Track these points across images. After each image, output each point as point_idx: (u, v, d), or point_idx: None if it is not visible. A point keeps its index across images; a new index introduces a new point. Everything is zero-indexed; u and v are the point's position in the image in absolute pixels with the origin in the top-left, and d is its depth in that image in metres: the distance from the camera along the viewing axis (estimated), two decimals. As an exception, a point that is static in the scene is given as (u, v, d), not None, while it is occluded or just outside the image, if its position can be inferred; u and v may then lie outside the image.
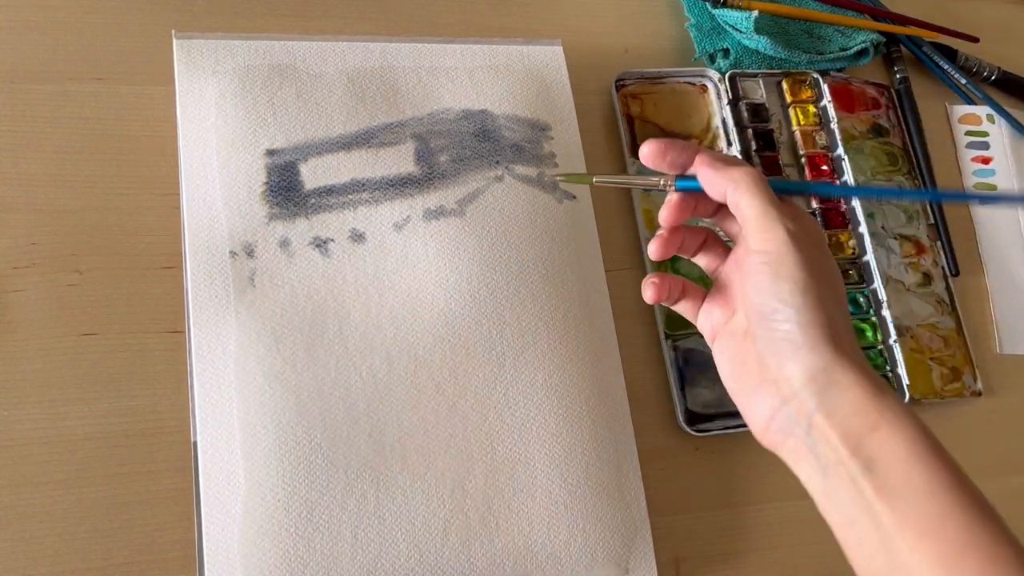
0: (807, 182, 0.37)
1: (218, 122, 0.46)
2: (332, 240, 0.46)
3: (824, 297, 0.35)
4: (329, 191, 0.46)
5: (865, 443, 0.33)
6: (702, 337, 0.51)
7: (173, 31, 0.48)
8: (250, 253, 0.44)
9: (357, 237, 0.46)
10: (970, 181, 0.64)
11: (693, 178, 0.39)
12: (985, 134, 0.66)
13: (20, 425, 0.41)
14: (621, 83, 0.57)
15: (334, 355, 0.44)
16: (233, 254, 0.44)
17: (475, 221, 0.48)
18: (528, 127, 0.51)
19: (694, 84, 0.58)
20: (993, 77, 0.67)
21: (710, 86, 0.59)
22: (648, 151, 0.39)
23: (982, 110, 0.66)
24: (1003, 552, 0.30)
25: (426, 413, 0.44)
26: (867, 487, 0.33)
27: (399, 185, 0.47)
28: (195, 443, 0.41)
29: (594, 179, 0.42)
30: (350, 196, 0.47)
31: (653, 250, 0.40)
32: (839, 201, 0.57)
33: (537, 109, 0.52)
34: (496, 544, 0.43)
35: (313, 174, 0.46)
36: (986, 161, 0.65)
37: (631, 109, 0.56)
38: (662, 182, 0.39)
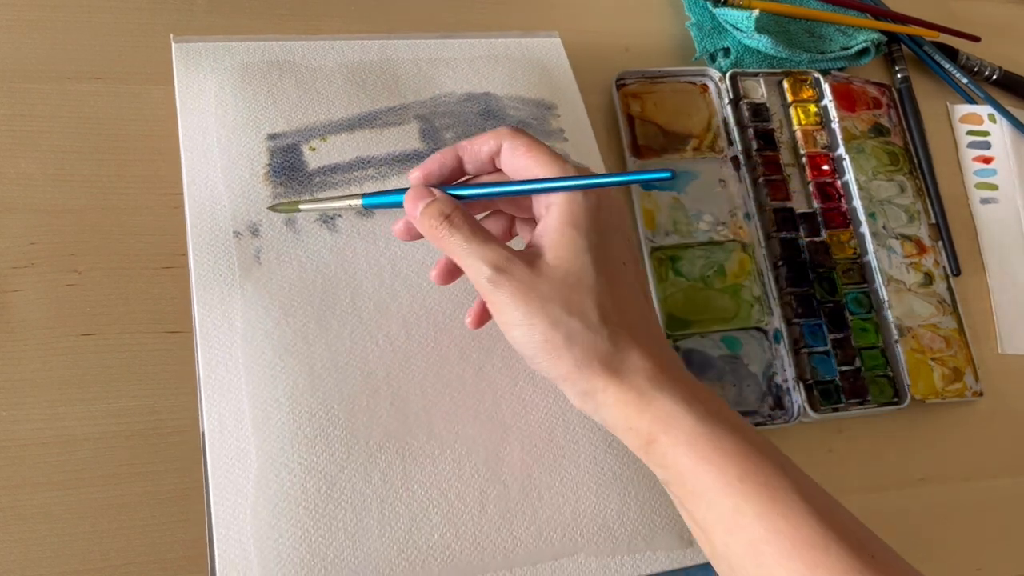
0: (486, 185, 0.37)
1: (218, 111, 0.46)
2: (339, 216, 0.45)
3: (557, 319, 0.33)
4: (334, 169, 0.46)
5: (652, 454, 0.34)
6: (703, 337, 0.51)
7: (171, 35, 0.48)
8: (255, 232, 0.44)
9: (365, 212, 0.45)
10: (971, 181, 0.64)
11: (378, 194, 0.39)
12: (986, 134, 0.65)
13: (19, 426, 0.41)
14: (621, 82, 0.57)
15: (348, 325, 0.42)
16: (237, 234, 0.44)
17: None
18: (533, 106, 0.51)
19: (695, 83, 0.58)
20: (994, 77, 0.67)
21: (711, 85, 0.58)
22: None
23: (983, 110, 0.66)
24: (804, 534, 0.30)
25: (451, 379, 0.42)
26: (673, 492, 0.34)
27: (405, 161, 0.47)
28: (203, 433, 0.40)
29: (300, 206, 0.43)
30: (355, 173, 0.46)
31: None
32: (840, 200, 0.57)
33: (541, 91, 0.52)
34: (540, 516, 0.40)
35: (316, 154, 0.46)
36: (987, 161, 0.65)
37: (632, 108, 0.56)
38: (351, 203, 0.40)
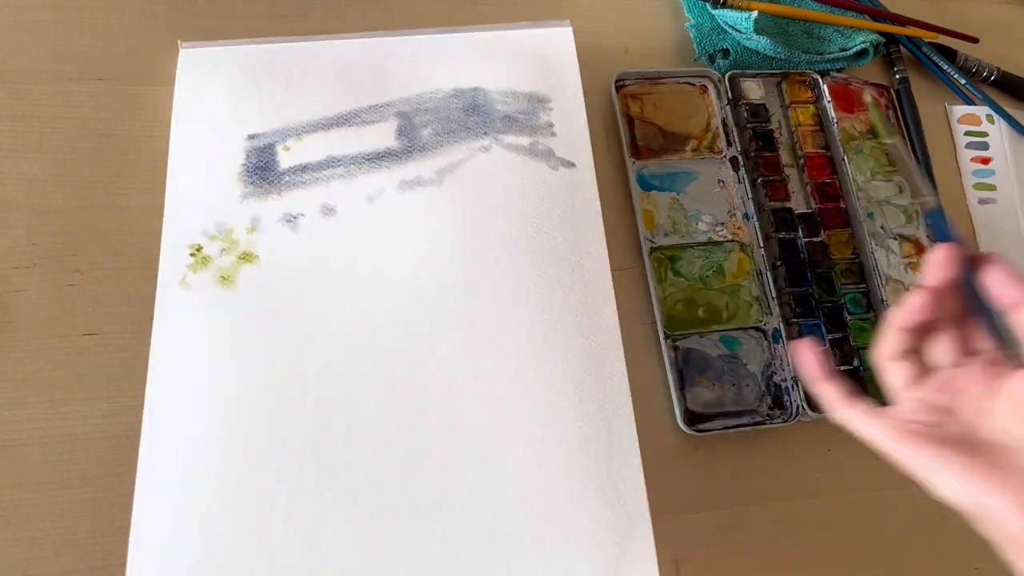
0: None
1: (208, 115, 0.47)
2: (302, 215, 0.46)
3: None
4: (303, 168, 0.47)
5: None
6: (702, 337, 0.51)
7: (179, 41, 0.48)
8: (221, 232, 0.45)
9: (327, 211, 0.46)
10: (970, 181, 0.64)
11: (942, 221, 0.35)
12: (985, 134, 0.66)
13: (21, 425, 0.41)
14: (621, 83, 0.57)
15: (292, 328, 0.43)
16: (206, 234, 0.45)
17: (453, 189, 0.47)
18: (524, 99, 0.51)
19: (694, 84, 0.59)
20: (993, 77, 0.67)
21: (710, 86, 0.59)
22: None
23: (981, 110, 0.66)
24: None
25: (381, 383, 0.42)
26: None
27: (375, 159, 0.48)
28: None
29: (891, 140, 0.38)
30: (324, 172, 0.47)
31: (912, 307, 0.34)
32: (839, 201, 0.57)
33: (536, 83, 0.52)
34: (450, 531, 0.39)
35: (290, 154, 0.47)
36: (985, 161, 0.65)
37: (631, 109, 0.56)
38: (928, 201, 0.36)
